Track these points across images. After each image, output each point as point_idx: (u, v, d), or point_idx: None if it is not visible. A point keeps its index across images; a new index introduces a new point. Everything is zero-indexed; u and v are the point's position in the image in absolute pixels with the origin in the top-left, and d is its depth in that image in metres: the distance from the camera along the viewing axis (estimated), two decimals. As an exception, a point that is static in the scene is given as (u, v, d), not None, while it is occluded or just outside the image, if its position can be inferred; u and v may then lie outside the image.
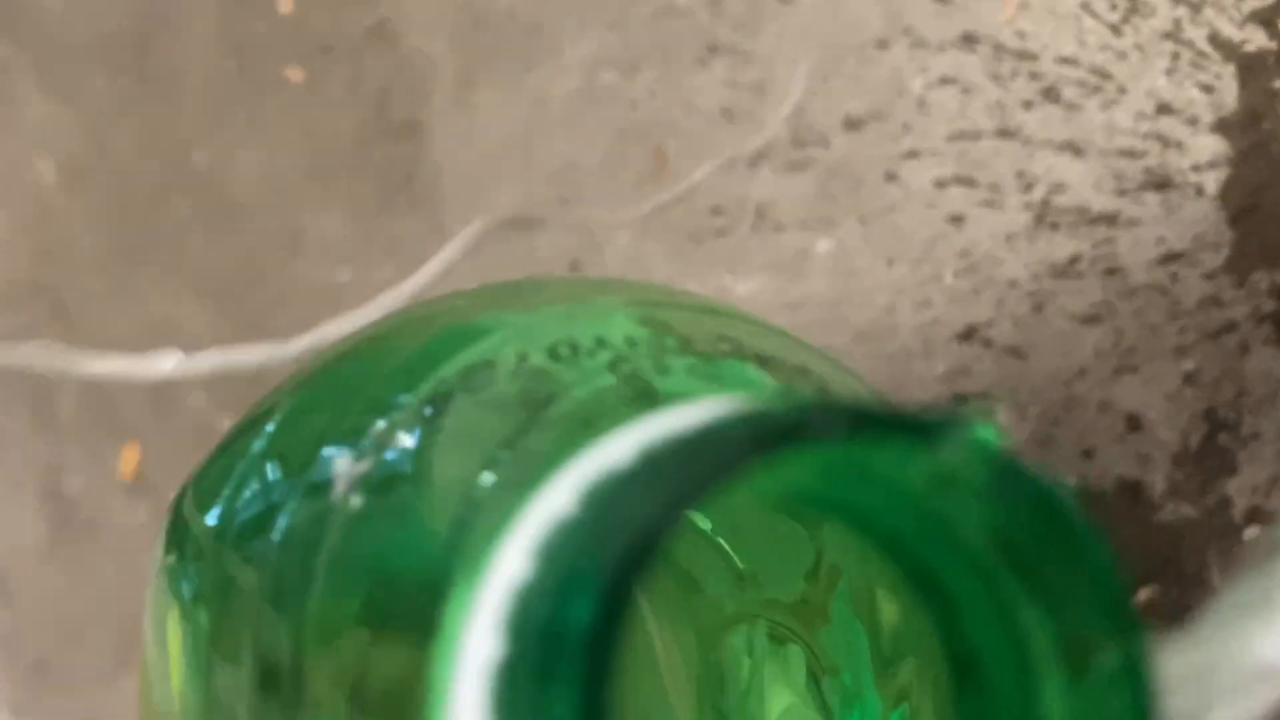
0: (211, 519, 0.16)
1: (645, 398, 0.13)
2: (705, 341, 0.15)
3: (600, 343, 0.14)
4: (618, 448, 0.12)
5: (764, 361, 0.15)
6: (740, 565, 0.16)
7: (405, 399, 0.15)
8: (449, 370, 0.15)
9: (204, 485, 0.16)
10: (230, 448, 0.16)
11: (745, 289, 0.29)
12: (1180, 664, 0.15)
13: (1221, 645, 0.15)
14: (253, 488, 0.15)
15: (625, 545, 0.10)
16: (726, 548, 0.16)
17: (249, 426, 0.16)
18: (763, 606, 0.16)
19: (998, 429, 0.12)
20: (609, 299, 0.16)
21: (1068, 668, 0.13)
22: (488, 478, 0.13)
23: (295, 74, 0.33)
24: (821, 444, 0.11)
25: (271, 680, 0.14)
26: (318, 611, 0.14)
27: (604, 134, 0.30)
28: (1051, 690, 0.13)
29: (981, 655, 0.13)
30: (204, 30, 0.34)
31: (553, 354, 0.14)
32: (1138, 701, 0.12)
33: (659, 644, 0.16)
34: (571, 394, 0.14)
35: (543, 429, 0.13)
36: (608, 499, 0.11)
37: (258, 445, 0.16)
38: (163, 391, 0.32)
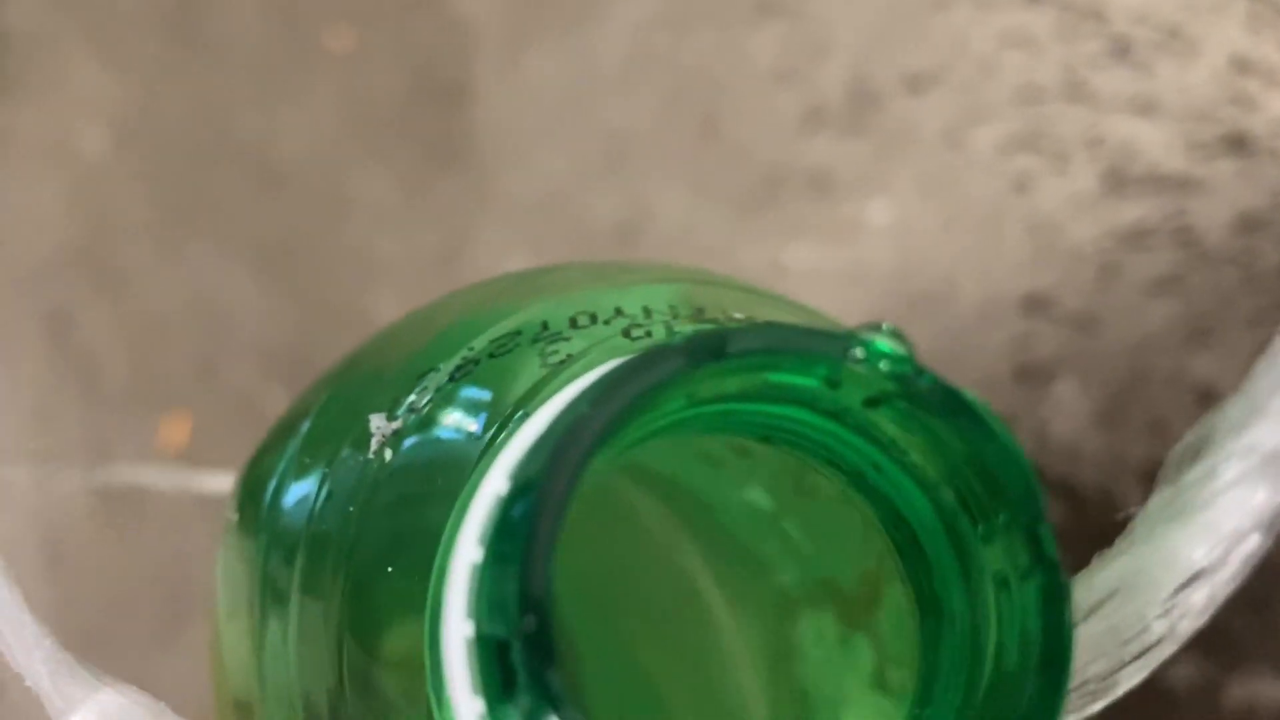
0: (269, 490, 0.17)
1: None
2: (718, 310, 0.16)
3: (618, 312, 0.15)
4: (588, 379, 0.13)
5: None
6: (807, 550, 0.17)
7: (440, 366, 0.16)
8: (480, 341, 0.16)
9: (262, 463, 0.18)
10: (283, 428, 0.18)
11: (798, 257, 0.28)
12: (1112, 576, 0.15)
13: (1149, 556, 0.15)
14: (302, 460, 0.17)
15: (557, 449, 0.12)
16: (794, 533, 0.17)
17: (299, 410, 0.18)
18: (830, 592, 0.17)
19: (902, 342, 0.13)
20: (633, 275, 0.17)
21: (996, 587, 0.13)
22: (504, 428, 0.15)
23: (341, 39, 0.32)
24: (736, 358, 0.12)
25: (313, 623, 0.16)
26: (353, 557, 0.15)
27: (654, 97, 0.29)
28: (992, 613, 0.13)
29: (940, 590, 0.14)
30: (250, -6, 0.33)
31: (573, 323, 0.15)
32: (1051, 614, 0.13)
33: (729, 626, 0.17)
34: (586, 356, 0.15)
35: (555, 384, 0.14)
36: (564, 419, 0.12)
37: (305, 425, 0.17)
38: (209, 363, 0.32)
